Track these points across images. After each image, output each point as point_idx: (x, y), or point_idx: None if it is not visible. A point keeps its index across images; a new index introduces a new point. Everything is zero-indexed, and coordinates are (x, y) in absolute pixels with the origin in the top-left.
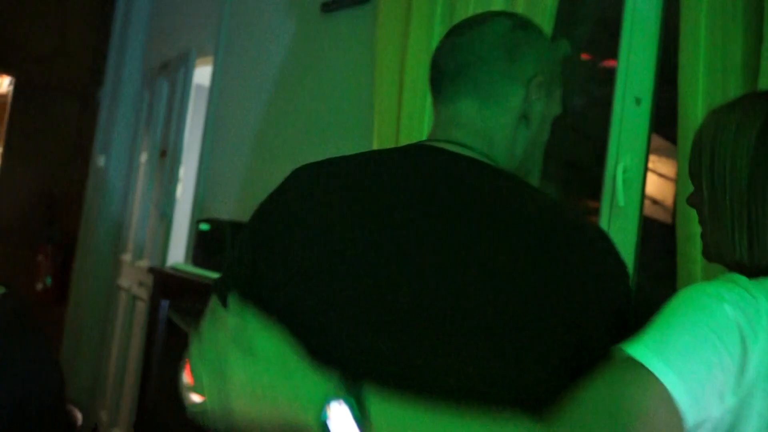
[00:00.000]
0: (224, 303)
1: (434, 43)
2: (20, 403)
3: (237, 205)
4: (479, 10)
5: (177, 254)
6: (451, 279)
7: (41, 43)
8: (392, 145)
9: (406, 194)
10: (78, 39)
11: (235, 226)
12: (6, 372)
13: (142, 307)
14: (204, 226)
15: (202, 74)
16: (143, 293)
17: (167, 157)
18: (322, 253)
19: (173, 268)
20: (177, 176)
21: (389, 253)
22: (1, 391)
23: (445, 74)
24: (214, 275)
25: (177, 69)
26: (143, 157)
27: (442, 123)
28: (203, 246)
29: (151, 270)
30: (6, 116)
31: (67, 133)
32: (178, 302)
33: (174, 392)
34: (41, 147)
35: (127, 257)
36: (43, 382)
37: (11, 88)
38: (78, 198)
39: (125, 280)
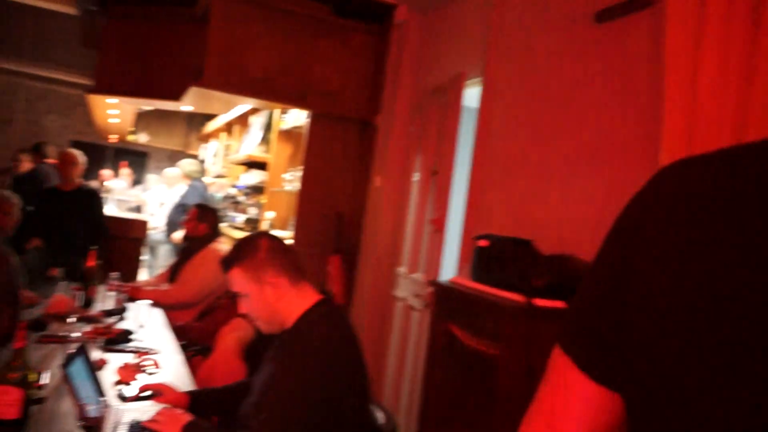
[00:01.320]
0: (572, 355)
1: (735, 44)
2: (336, 401)
3: (511, 222)
4: None
5: (449, 268)
6: None
7: (330, 80)
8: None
9: None
10: (358, 74)
11: (515, 242)
12: (337, 370)
13: (417, 317)
14: (482, 242)
15: (470, 95)
16: (418, 304)
17: (439, 175)
18: (701, 302)
19: (452, 282)
20: (448, 194)
21: None
22: (328, 383)
23: None
24: (493, 291)
25: (446, 92)
26: (416, 177)
27: None
28: (482, 261)
29: (432, 283)
30: (304, 144)
31: (351, 157)
32: (456, 314)
33: (454, 401)
34: (331, 170)
35: (402, 270)
36: (356, 380)
37: (308, 120)
38: (360, 215)
39: (401, 291)
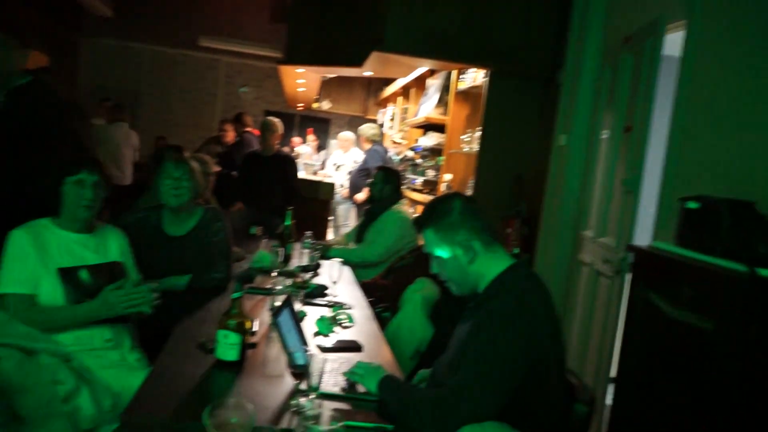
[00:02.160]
0: None
1: None
2: (536, 363)
3: (725, 181)
4: None
5: (644, 232)
6: None
7: (510, 36)
8: None
9: None
10: (540, 28)
11: (734, 204)
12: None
13: (605, 284)
14: (692, 204)
15: (671, 42)
16: (608, 270)
17: (632, 132)
18: None
19: (654, 248)
20: (644, 152)
21: None
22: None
23: None
24: (706, 258)
25: (642, 41)
26: (605, 134)
27: None
28: (691, 225)
29: (631, 248)
30: (482, 105)
31: (532, 116)
32: (658, 283)
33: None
34: (510, 130)
35: (588, 233)
36: (553, 346)
37: (486, 79)
38: (541, 176)
39: (587, 256)
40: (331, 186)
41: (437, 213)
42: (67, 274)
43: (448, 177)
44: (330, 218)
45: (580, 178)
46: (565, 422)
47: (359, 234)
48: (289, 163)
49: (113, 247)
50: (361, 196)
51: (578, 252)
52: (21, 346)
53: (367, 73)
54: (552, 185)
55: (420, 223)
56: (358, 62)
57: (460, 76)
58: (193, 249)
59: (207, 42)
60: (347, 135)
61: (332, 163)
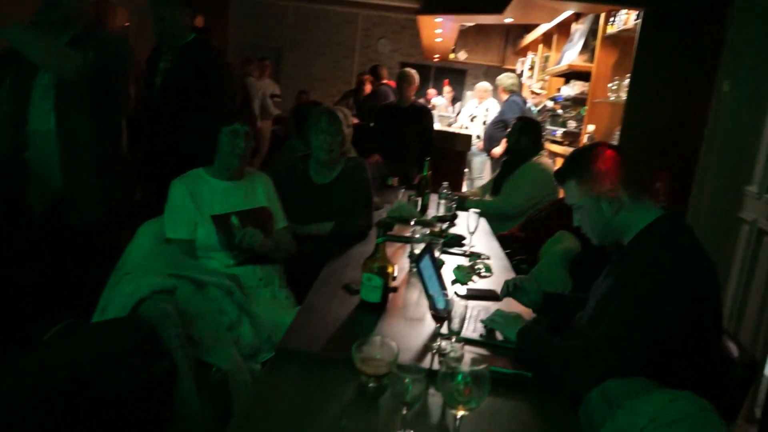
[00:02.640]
0: None
1: None
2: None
3: None
4: None
5: None
6: None
7: None
8: None
9: None
10: None
11: None
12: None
13: None
14: None
15: None
16: None
17: None
18: None
19: None
20: None
21: None
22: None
23: None
24: None
25: None
26: None
27: None
28: None
29: None
30: (633, 49)
31: (690, 60)
32: None
33: None
34: (664, 76)
35: (752, 189)
36: (706, 303)
37: (639, 21)
38: (698, 126)
39: (749, 213)
40: (467, 138)
41: (581, 163)
42: (219, 220)
43: (591, 128)
44: (465, 170)
45: (744, 129)
46: (719, 384)
47: (495, 186)
48: (425, 114)
49: (261, 193)
50: (498, 149)
51: (738, 209)
52: (193, 278)
53: (508, 20)
54: (711, 136)
55: (562, 174)
56: (500, 8)
57: (610, 19)
58: (337, 196)
59: None
60: (484, 85)
61: (467, 113)
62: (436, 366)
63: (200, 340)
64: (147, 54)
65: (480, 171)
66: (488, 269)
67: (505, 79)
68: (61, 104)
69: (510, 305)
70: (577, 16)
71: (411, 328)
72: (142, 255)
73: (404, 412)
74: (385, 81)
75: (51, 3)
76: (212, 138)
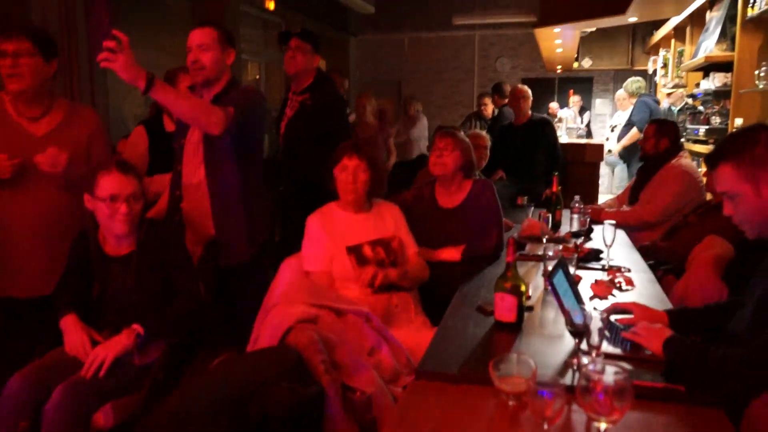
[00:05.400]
0: None
1: None
2: None
3: None
4: None
5: None
6: None
7: None
8: None
9: None
10: None
11: None
12: None
13: None
14: None
15: None
16: None
17: None
18: None
19: None
20: None
21: None
22: None
23: None
24: None
25: None
26: None
27: None
28: None
29: None
30: None
31: None
32: None
33: None
34: None
35: None
36: None
37: None
38: None
39: None
40: (598, 147)
41: (739, 145)
42: (353, 251)
43: (738, 121)
44: (600, 181)
45: None
46: None
47: (633, 194)
48: (545, 127)
49: (390, 222)
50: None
51: None
52: (333, 308)
53: (632, 20)
54: None
55: (716, 157)
56: (622, 8)
57: (750, 1)
58: (466, 219)
59: (461, 20)
60: (623, 93)
61: (609, 124)
62: (576, 382)
63: (343, 365)
64: (277, 102)
65: (621, 180)
66: (627, 283)
67: (630, 85)
68: (209, 157)
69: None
70: (711, 3)
71: (549, 345)
72: (285, 288)
73: (546, 427)
74: (506, 100)
75: (196, 66)
76: (330, 173)
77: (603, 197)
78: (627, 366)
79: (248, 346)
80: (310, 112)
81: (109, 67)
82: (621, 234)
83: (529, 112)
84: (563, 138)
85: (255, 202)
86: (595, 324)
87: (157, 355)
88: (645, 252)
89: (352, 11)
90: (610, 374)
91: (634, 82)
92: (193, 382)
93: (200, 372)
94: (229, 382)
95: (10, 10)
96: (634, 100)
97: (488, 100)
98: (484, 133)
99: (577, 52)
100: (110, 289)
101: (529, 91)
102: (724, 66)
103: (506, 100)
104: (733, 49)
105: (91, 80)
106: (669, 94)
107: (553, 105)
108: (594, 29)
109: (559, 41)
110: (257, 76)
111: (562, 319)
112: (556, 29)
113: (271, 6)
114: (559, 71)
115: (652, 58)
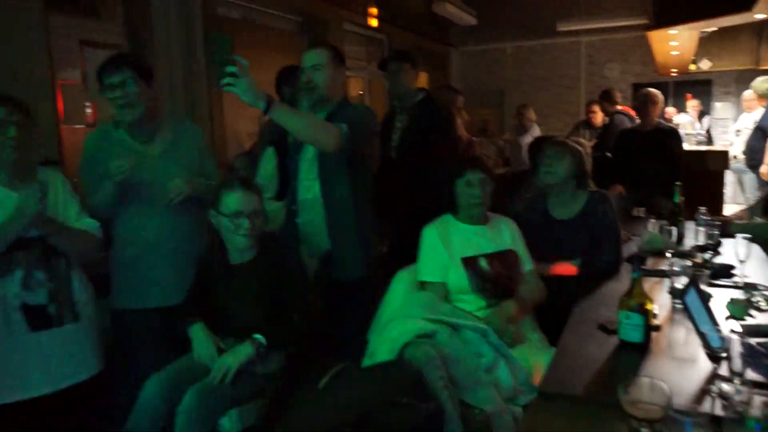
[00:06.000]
0: None
1: None
2: None
3: None
4: None
5: None
6: None
7: None
8: None
9: None
10: None
11: None
12: None
13: None
14: None
15: None
16: None
17: None
18: None
19: None
20: None
21: None
22: None
23: None
24: None
25: None
26: None
27: None
28: None
29: None
30: None
31: None
32: None
33: None
34: None
35: None
36: None
37: None
38: None
39: None
40: (721, 154)
41: None
42: (469, 263)
43: None
44: (725, 190)
45: None
46: None
47: (766, 205)
48: (672, 136)
49: (507, 236)
50: (765, 167)
51: None
52: (449, 323)
53: (759, 16)
54: None
55: None
56: (748, 4)
57: None
58: (581, 232)
59: (565, 26)
60: (750, 94)
61: (733, 128)
62: (717, 411)
63: (461, 382)
64: (380, 116)
65: (753, 189)
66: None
67: (759, 85)
68: (323, 174)
69: None
70: None
71: (681, 369)
72: (401, 302)
73: None
74: (618, 107)
75: (309, 87)
76: (450, 189)
77: (729, 208)
78: None
79: (364, 359)
80: (416, 130)
81: (232, 90)
82: (756, 249)
83: (657, 119)
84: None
85: (368, 217)
86: (735, 347)
87: (277, 365)
88: None
89: (453, 24)
90: (757, 405)
91: (763, 82)
92: (313, 395)
93: (315, 382)
94: (350, 398)
95: (137, 36)
96: (765, 103)
97: (597, 108)
98: (582, 140)
99: (695, 54)
100: (232, 300)
101: (660, 96)
102: None
103: (617, 107)
104: None
105: (209, 101)
106: None
107: (670, 110)
108: (715, 28)
109: (674, 43)
110: (360, 92)
111: (693, 340)
112: (672, 31)
113: (374, 23)
114: (674, 74)
115: None
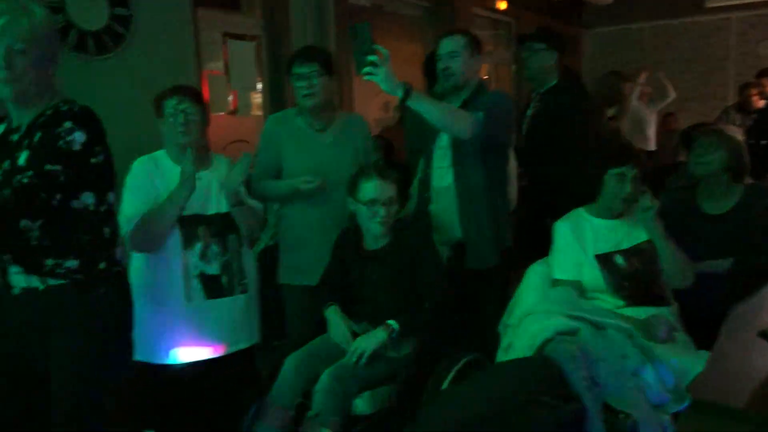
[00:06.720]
0: None
1: None
2: None
3: None
4: None
5: None
6: None
7: None
8: None
9: None
10: None
11: None
12: None
13: None
14: None
15: None
16: None
17: None
18: None
19: None
20: None
21: None
22: None
23: None
24: None
25: None
26: None
27: None
28: None
29: None
30: None
31: None
32: None
33: None
34: None
35: None
36: None
37: None
38: None
39: None
40: None
41: None
42: (604, 260)
43: None
44: None
45: None
46: None
47: None
48: None
49: (643, 227)
50: None
51: None
52: (592, 321)
53: None
54: None
55: None
56: None
57: None
58: (736, 228)
59: (716, 1)
60: None
61: None
62: None
63: (605, 383)
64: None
65: None
66: None
67: None
68: (457, 161)
69: None
70: None
71: None
72: (537, 295)
73: None
74: None
75: (446, 74)
76: (596, 178)
77: None
78: None
79: (498, 352)
80: (552, 114)
81: (372, 79)
82: None
83: None
84: None
85: (501, 206)
86: None
87: (409, 350)
88: None
89: (587, 4)
90: None
91: None
92: (451, 389)
93: (446, 371)
94: (484, 391)
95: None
96: None
97: (755, 91)
98: (733, 126)
99: None
100: (366, 284)
101: None
102: None
103: None
104: None
105: (341, 89)
106: None
107: None
108: None
109: None
110: (486, 77)
111: None
112: None
113: (503, 6)
114: None
115: None
